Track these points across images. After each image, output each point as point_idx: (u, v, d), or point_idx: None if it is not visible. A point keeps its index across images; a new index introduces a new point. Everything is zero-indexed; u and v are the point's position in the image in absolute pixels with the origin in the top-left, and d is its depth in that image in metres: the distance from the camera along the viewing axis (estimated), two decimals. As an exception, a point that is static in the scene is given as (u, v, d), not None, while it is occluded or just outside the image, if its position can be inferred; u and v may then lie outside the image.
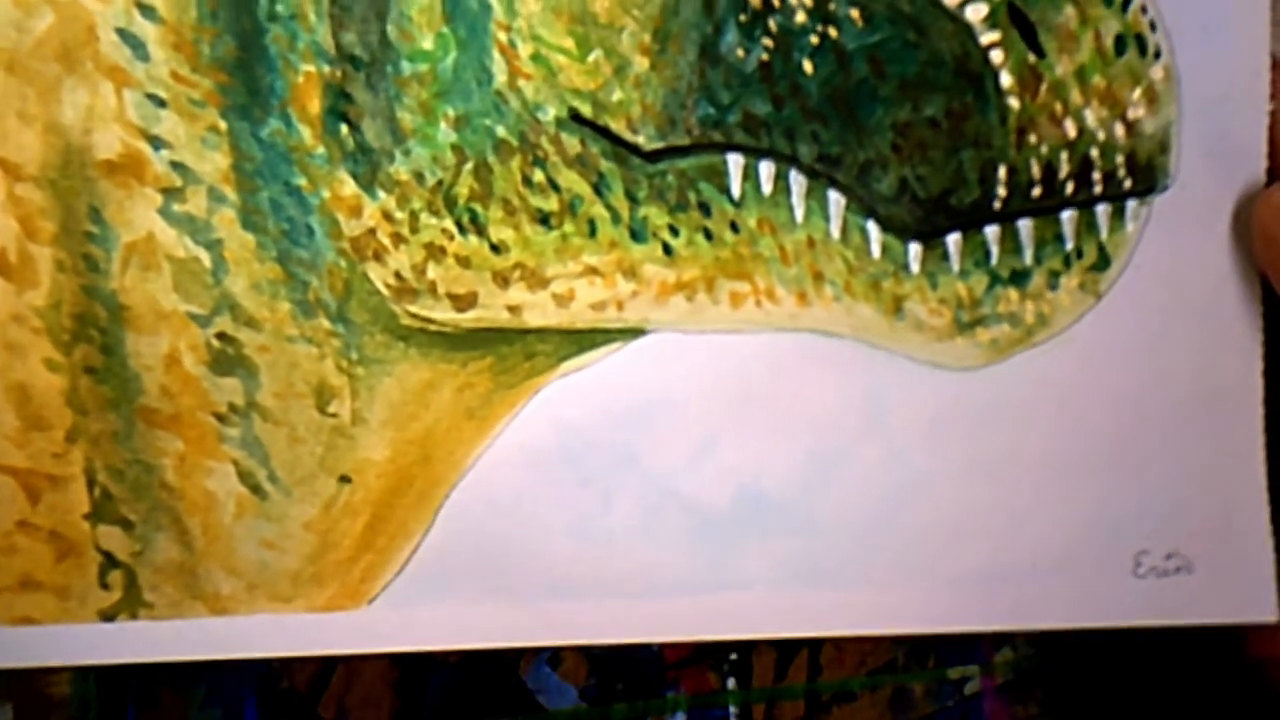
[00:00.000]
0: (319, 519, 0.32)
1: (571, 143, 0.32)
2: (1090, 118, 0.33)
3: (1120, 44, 0.33)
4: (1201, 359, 0.34)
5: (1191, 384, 0.34)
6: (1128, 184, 0.33)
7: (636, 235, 0.32)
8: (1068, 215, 0.33)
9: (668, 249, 0.32)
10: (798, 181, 0.32)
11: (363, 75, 0.32)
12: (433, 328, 0.32)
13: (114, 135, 0.31)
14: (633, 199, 0.32)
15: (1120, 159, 0.33)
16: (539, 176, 0.32)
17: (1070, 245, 0.33)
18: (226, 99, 0.31)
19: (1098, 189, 0.33)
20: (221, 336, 0.32)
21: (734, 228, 0.33)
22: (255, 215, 0.32)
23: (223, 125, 0.31)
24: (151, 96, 0.31)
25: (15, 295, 0.31)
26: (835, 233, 0.33)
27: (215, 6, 0.31)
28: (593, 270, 0.32)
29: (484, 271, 0.32)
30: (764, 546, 0.33)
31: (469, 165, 0.32)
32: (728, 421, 0.33)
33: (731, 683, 0.41)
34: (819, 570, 0.34)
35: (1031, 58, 0.32)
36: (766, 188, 0.32)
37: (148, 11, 0.31)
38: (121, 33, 0.31)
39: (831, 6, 0.32)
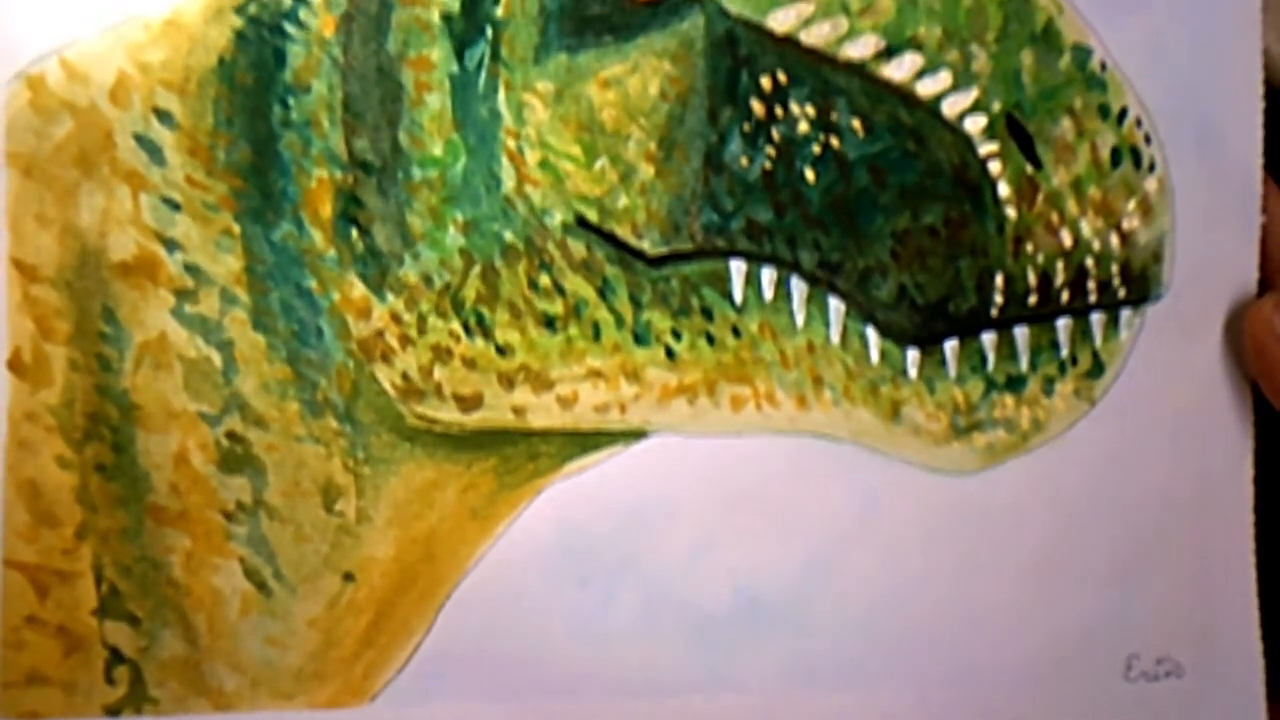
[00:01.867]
0: (323, 616, 0.33)
1: (577, 248, 0.33)
2: (1086, 228, 0.33)
3: (1116, 157, 0.34)
4: (1193, 465, 0.35)
5: (1183, 490, 0.35)
6: (1122, 293, 0.34)
7: (640, 339, 0.33)
8: (1063, 323, 0.34)
9: (670, 353, 0.33)
10: (799, 287, 0.33)
11: (374, 180, 0.32)
12: (438, 428, 0.33)
13: (129, 238, 0.32)
14: (636, 303, 0.33)
15: (1115, 268, 0.34)
16: (545, 281, 0.33)
17: (1065, 352, 0.34)
18: (240, 203, 0.32)
19: (1093, 297, 0.34)
20: (230, 435, 0.32)
21: (736, 332, 0.33)
22: (266, 316, 0.32)
23: (236, 228, 0.32)
24: (167, 200, 0.32)
25: (29, 394, 0.32)
26: (835, 338, 0.33)
27: (231, 113, 0.32)
28: (596, 373, 0.33)
29: (490, 373, 0.33)
30: (761, 648, 0.34)
31: (476, 269, 0.32)
32: (726, 523, 0.34)
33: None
34: (815, 671, 0.34)
35: (1029, 169, 0.33)
36: (768, 293, 0.33)
37: (165, 118, 0.32)
38: (139, 138, 0.32)
39: (834, 116, 0.33)
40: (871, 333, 0.33)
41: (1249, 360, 0.34)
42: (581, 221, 0.33)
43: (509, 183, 0.32)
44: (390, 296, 0.32)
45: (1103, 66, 0.34)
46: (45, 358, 0.32)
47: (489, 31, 0.32)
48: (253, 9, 0.32)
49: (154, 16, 0.32)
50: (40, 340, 0.32)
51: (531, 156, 0.32)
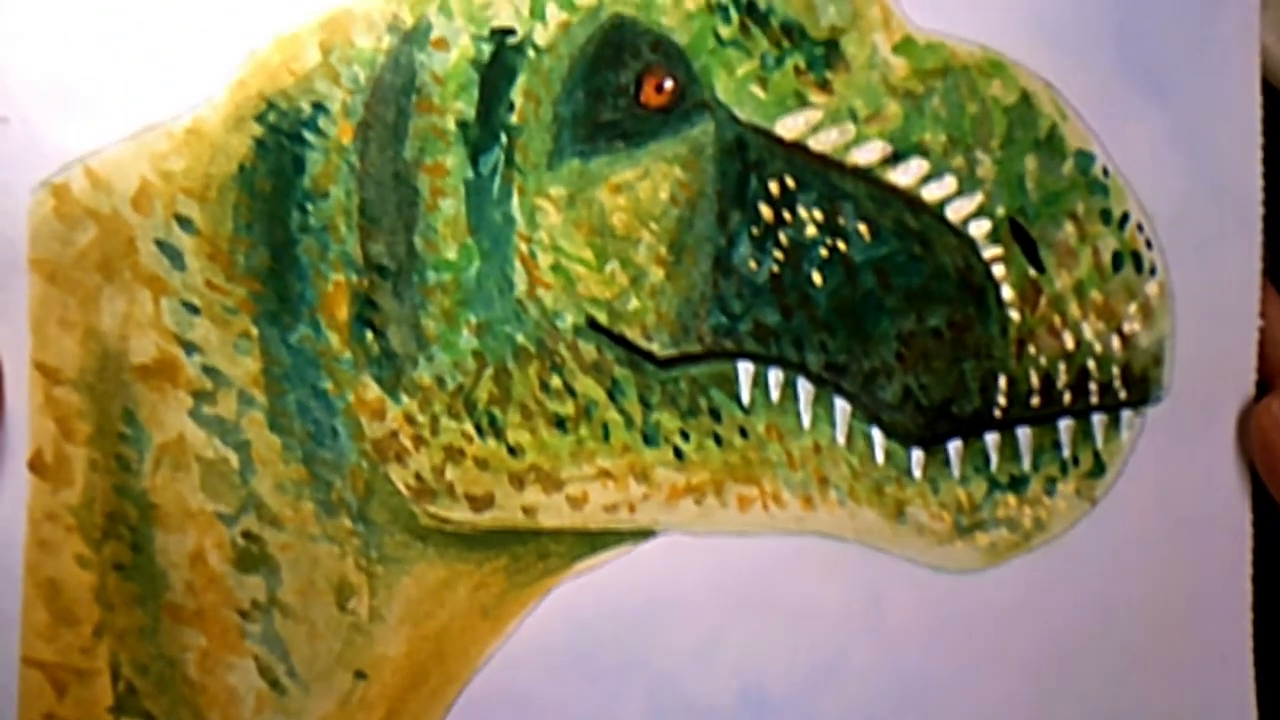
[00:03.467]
0: (335, 713, 0.33)
1: (588, 350, 0.33)
2: (1088, 331, 0.34)
3: (1118, 261, 0.34)
4: (1193, 565, 0.35)
5: (1183, 590, 0.35)
6: (1123, 395, 0.34)
7: (649, 440, 0.34)
8: (1065, 424, 0.34)
9: (679, 453, 0.34)
10: (805, 389, 0.34)
11: (389, 284, 0.33)
12: (450, 528, 0.34)
13: (150, 341, 0.32)
14: (646, 404, 0.33)
15: (1116, 370, 0.34)
16: (556, 382, 0.33)
17: (1067, 453, 0.34)
18: (258, 306, 0.33)
19: (1094, 399, 0.34)
20: (247, 535, 0.33)
21: (743, 433, 0.34)
22: (283, 418, 0.33)
23: (254, 331, 0.33)
24: (187, 304, 0.33)
25: (50, 494, 0.32)
26: (841, 439, 0.34)
27: (250, 218, 0.33)
28: (606, 473, 0.33)
29: (501, 473, 0.33)
30: (766, 746, 0.34)
31: (489, 371, 0.33)
32: (733, 622, 0.34)
33: None
34: (820, 769, 0.35)
35: (1032, 272, 0.34)
36: (775, 395, 0.34)
37: (185, 224, 0.32)
38: (160, 244, 0.32)
39: (840, 220, 0.33)
40: (877, 433, 0.34)
41: (1255, 458, 0.35)
42: (592, 324, 0.33)
43: (521, 286, 0.33)
44: (404, 398, 0.33)
45: (1105, 172, 0.34)
46: (66, 458, 0.32)
47: (503, 138, 0.33)
48: (272, 117, 0.33)
49: (176, 125, 0.32)
50: (61, 441, 0.32)
51: (544, 260, 0.33)
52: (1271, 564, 0.36)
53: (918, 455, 0.34)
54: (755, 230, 0.33)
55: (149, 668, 0.33)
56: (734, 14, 0.34)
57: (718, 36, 0.33)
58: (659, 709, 0.34)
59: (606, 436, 0.33)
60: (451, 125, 0.33)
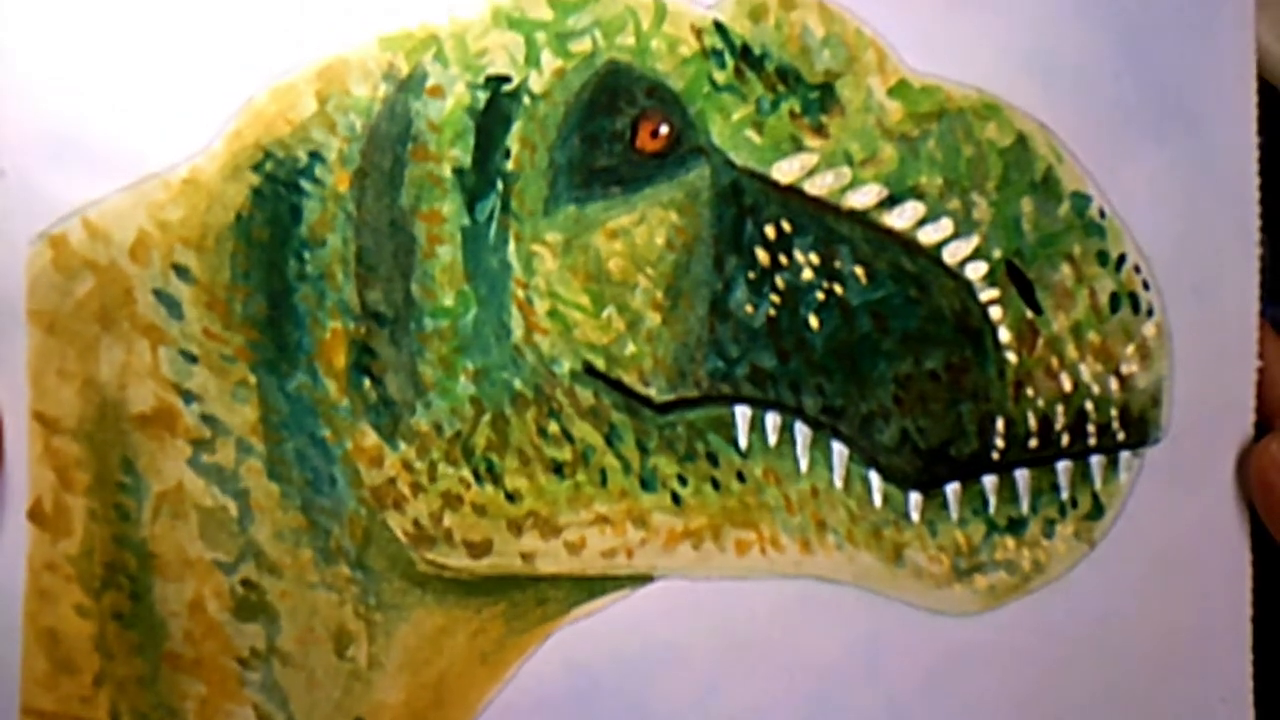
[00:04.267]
0: (334, 760, 0.34)
1: (585, 395, 0.33)
2: (1085, 372, 0.34)
3: (1115, 302, 0.34)
4: (1192, 607, 0.35)
5: (1182, 631, 0.35)
6: (1121, 436, 0.34)
7: (646, 484, 0.34)
8: (1063, 466, 0.34)
9: (676, 498, 0.34)
10: (802, 433, 0.34)
11: (387, 331, 0.33)
12: (448, 574, 0.34)
13: (148, 390, 0.33)
14: (643, 449, 0.33)
15: (1114, 412, 0.34)
16: (553, 428, 0.33)
17: (1065, 495, 0.34)
18: (256, 354, 0.33)
19: (1092, 441, 0.34)
20: (245, 583, 0.33)
21: (740, 477, 0.34)
22: (281, 465, 0.33)
23: (252, 379, 0.33)
24: (185, 353, 0.33)
25: (50, 544, 0.32)
26: (838, 482, 0.34)
27: (247, 267, 0.33)
28: (603, 519, 0.34)
29: (499, 520, 0.33)
30: (765, 791, 0.34)
31: (486, 417, 0.33)
32: (731, 666, 0.34)
33: None
34: (819, 814, 0.35)
35: (1029, 314, 0.34)
36: (772, 439, 0.34)
37: (183, 273, 0.33)
38: (158, 293, 0.33)
39: (837, 264, 0.33)
40: (874, 477, 0.34)
41: (1255, 500, 0.35)
42: (589, 369, 0.33)
43: (518, 332, 0.33)
44: (402, 445, 0.33)
45: (1101, 213, 0.34)
46: (65, 508, 0.33)
47: (499, 185, 0.33)
48: (269, 166, 0.33)
49: (173, 175, 0.33)
50: (61, 491, 0.32)
51: (540, 306, 0.33)
52: (1271, 606, 0.36)
53: (915, 498, 0.34)
54: (751, 274, 0.33)
55: (149, 716, 0.33)
56: (729, 59, 0.34)
57: (713, 81, 0.34)
58: (657, 755, 0.34)
59: (604, 482, 0.33)
60: (447, 172, 0.33)
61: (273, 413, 0.33)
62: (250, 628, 0.33)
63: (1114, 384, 0.34)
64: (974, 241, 0.34)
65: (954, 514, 0.34)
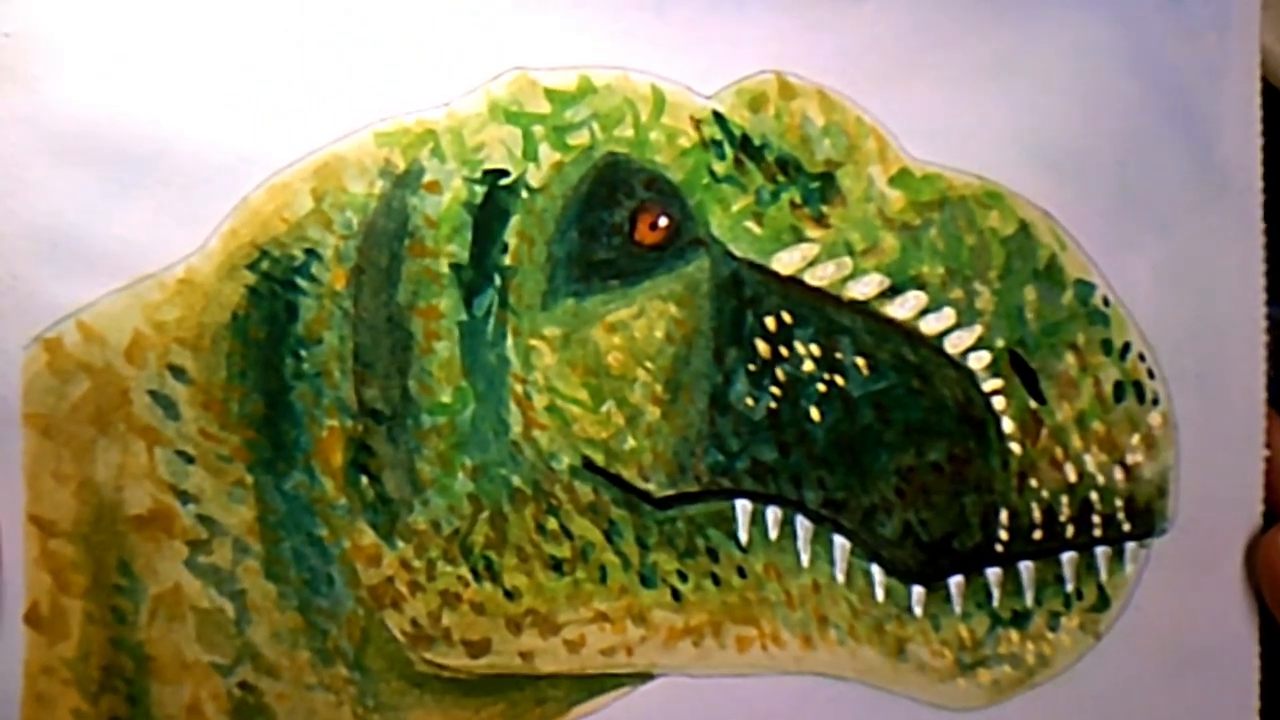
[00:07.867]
0: None
1: (584, 490, 0.33)
2: (1090, 462, 0.33)
3: (1119, 391, 0.34)
4: (1200, 700, 0.35)
5: (1190, 723, 0.35)
6: (1127, 527, 0.34)
7: (646, 581, 0.33)
8: (1068, 557, 0.34)
9: (676, 594, 0.33)
10: (804, 527, 0.33)
11: (384, 429, 0.33)
12: (447, 674, 0.33)
13: (144, 491, 0.32)
14: (643, 545, 0.33)
15: (1119, 503, 0.34)
16: (552, 524, 0.33)
17: (1070, 586, 0.34)
18: (253, 454, 0.33)
19: (1097, 532, 0.34)
20: (243, 685, 0.33)
21: (741, 573, 0.33)
22: (278, 565, 0.33)
23: (249, 479, 0.33)
24: (181, 453, 0.33)
25: (46, 647, 0.32)
26: (840, 577, 0.34)
27: (244, 366, 0.33)
28: (603, 616, 0.33)
29: (498, 618, 0.33)
30: None
31: (485, 514, 0.33)
32: (734, 764, 0.34)
33: None
34: None
35: (1033, 404, 0.33)
36: (773, 533, 0.33)
37: (179, 374, 0.32)
38: (153, 394, 0.32)
39: (838, 355, 0.33)
40: (876, 571, 0.34)
41: (1263, 590, 0.34)
42: (588, 464, 0.33)
43: (516, 427, 0.33)
44: (400, 543, 0.33)
45: (1105, 302, 0.34)
46: (62, 611, 0.32)
47: (497, 279, 0.33)
48: (265, 265, 0.33)
49: (168, 275, 0.32)
50: (58, 594, 0.32)
51: (539, 401, 0.33)
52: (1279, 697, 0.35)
53: (918, 592, 0.34)
54: (752, 366, 0.33)
55: (147, 820, 0.33)
56: (728, 150, 0.33)
57: (712, 173, 0.33)
58: None
59: (603, 578, 0.33)
60: (445, 268, 0.33)
61: (270, 512, 0.33)
62: (248, 730, 0.33)
63: (1119, 474, 0.34)
64: (977, 331, 0.33)
65: (957, 607, 0.34)
